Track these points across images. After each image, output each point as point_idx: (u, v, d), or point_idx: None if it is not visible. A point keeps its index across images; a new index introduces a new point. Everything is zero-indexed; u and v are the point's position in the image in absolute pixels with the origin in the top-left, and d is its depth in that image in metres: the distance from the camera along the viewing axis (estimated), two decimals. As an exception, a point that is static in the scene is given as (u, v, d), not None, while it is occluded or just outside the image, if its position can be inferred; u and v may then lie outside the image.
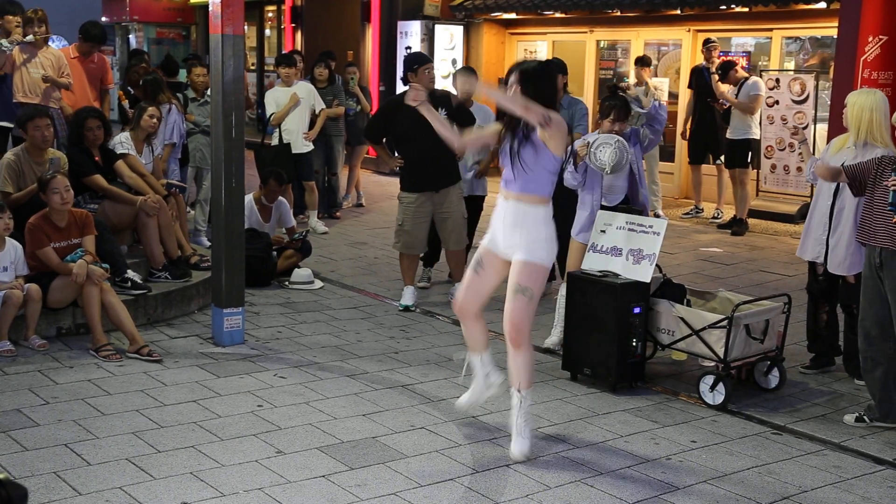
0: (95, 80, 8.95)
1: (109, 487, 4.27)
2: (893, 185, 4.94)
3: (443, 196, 7.53)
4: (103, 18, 24.05)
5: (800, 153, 7.23)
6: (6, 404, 5.21)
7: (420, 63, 7.52)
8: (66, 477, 4.35)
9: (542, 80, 4.78)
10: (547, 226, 4.79)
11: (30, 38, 8.06)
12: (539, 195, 4.75)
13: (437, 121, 5.10)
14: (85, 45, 8.81)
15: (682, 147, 13.25)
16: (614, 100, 6.40)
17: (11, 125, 7.95)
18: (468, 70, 8.74)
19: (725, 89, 11.20)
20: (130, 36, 24.06)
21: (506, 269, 4.85)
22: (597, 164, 6.06)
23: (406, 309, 7.61)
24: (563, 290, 6.49)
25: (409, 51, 15.32)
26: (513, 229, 4.76)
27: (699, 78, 11.67)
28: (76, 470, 4.43)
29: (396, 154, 7.76)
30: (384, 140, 8.04)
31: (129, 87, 10.16)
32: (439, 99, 7.59)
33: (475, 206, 8.27)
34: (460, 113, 7.63)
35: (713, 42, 11.82)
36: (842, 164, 5.46)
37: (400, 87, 15.47)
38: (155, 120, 7.95)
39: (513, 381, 4.85)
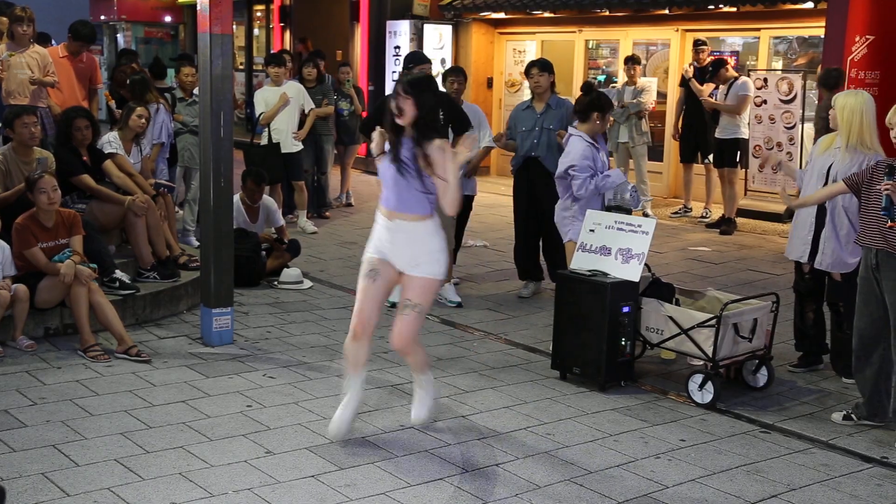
0: (84, 79, 8.92)
1: (98, 488, 4.25)
2: (886, 189, 4.94)
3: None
4: (91, 17, 23.99)
5: (784, 174, 7.24)
6: (-6, 405, 5.19)
7: (416, 62, 7.53)
8: (54, 478, 4.34)
9: (426, 89, 4.73)
10: (436, 238, 4.81)
11: (7, 51, 8.02)
12: (424, 214, 4.76)
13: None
14: (74, 45, 8.78)
15: (670, 146, 13.28)
16: (604, 96, 6.70)
17: (-1, 126, 7.92)
18: (457, 70, 8.77)
19: (707, 90, 11.25)
20: (118, 35, 23.98)
21: (396, 279, 4.89)
22: (621, 202, 6.43)
23: (393, 305, 7.59)
24: None
25: (398, 50, 15.35)
26: (403, 246, 4.79)
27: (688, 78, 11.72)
28: (64, 471, 4.42)
29: None
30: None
31: (115, 88, 10.12)
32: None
33: (465, 205, 8.26)
34: (458, 118, 7.63)
35: (703, 43, 11.87)
36: (843, 180, 5.46)
37: (389, 86, 15.51)
38: (143, 120, 7.93)
39: (414, 373, 5.11)
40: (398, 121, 4.70)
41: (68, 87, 8.65)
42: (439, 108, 4.75)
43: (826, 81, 9.34)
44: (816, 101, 10.47)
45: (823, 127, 9.90)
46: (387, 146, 4.80)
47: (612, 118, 11.34)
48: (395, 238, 4.80)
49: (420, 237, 4.78)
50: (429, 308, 4.95)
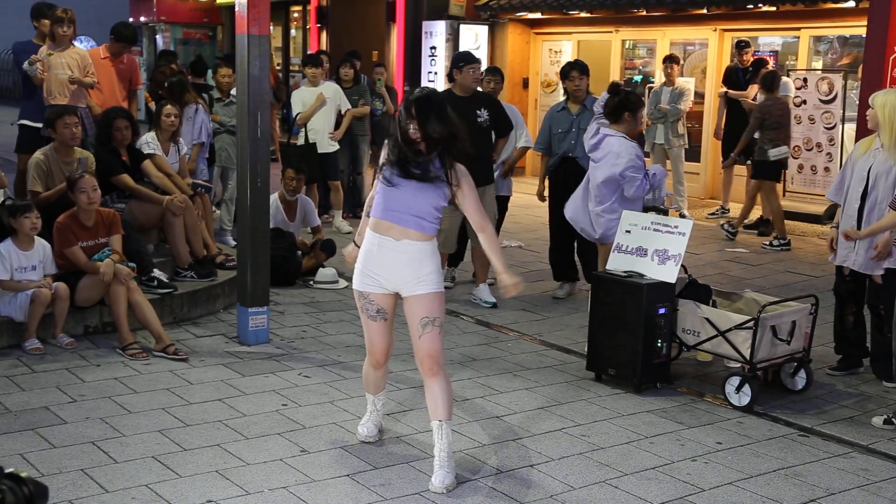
0: (124, 80, 9.02)
1: (136, 485, 4.30)
2: None
3: (479, 195, 7.52)
4: (130, 19, 24.24)
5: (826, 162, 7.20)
6: (34, 402, 5.26)
7: (466, 62, 7.55)
8: (93, 474, 4.39)
9: (433, 109, 4.37)
10: (436, 258, 4.50)
11: (48, 50, 8.13)
12: (427, 234, 4.43)
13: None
14: (116, 46, 8.86)
15: (708, 147, 13.18)
16: (632, 94, 6.77)
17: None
18: (494, 70, 8.76)
19: (751, 93, 11.16)
20: (157, 36, 24.22)
21: (394, 304, 4.58)
22: (659, 203, 6.50)
23: None
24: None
25: (434, 51, 15.36)
26: (404, 267, 4.42)
27: (731, 78, 11.63)
28: (103, 467, 4.47)
29: None
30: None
31: (155, 88, 10.22)
32: (483, 100, 7.59)
33: (501, 206, 8.27)
34: (500, 118, 7.63)
35: (747, 44, 11.77)
36: (890, 206, 5.43)
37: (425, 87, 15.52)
38: (172, 118, 7.98)
39: (432, 413, 4.48)
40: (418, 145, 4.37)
41: (108, 88, 8.75)
42: (450, 127, 4.43)
43: (764, 82, 10.28)
44: (857, 102, 10.35)
45: (757, 126, 10.30)
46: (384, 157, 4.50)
47: (648, 120, 11.32)
48: (398, 259, 4.41)
49: (424, 257, 4.43)
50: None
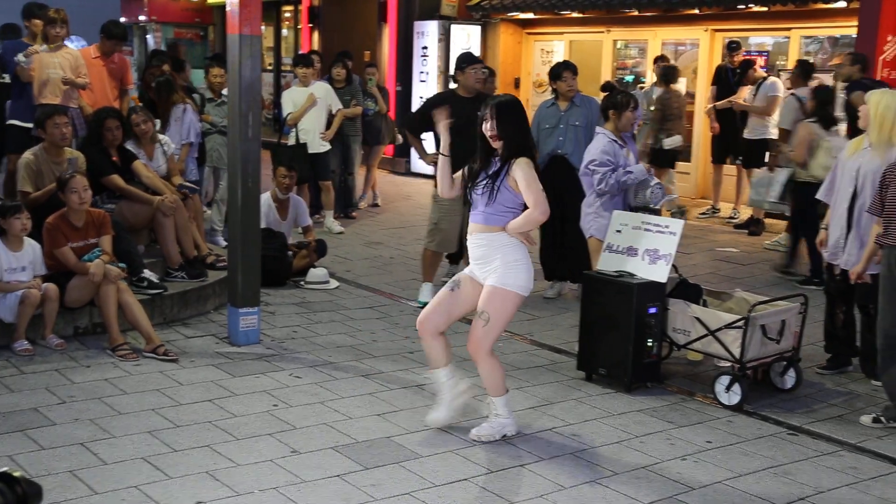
0: (116, 79, 9.00)
1: (125, 486, 4.29)
2: None
3: None
4: (122, 18, 24.19)
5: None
6: (24, 403, 5.25)
7: (468, 63, 7.59)
8: (82, 476, 4.38)
9: (516, 114, 4.93)
10: (513, 248, 4.86)
11: (44, 48, 8.11)
12: (501, 226, 4.87)
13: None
14: (107, 44, 8.84)
15: (699, 147, 13.21)
16: (626, 94, 6.88)
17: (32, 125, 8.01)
18: (485, 68, 8.75)
19: (742, 95, 11.20)
20: (148, 36, 24.18)
21: (476, 295, 4.97)
22: (650, 204, 6.52)
23: (424, 306, 7.60)
24: None
25: (425, 51, 15.35)
26: (485, 259, 4.89)
27: (721, 78, 11.66)
28: (92, 469, 4.46)
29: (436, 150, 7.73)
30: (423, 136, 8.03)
31: (144, 89, 10.18)
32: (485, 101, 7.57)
33: None
34: None
35: (738, 46, 11.82)
36: (867, 211, 5.44)
37: (417, 87, 15.54)
38: (142, 125, 7.89)
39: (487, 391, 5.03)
40: (492, 142, 4.89)
41: (99, 88, 8.73)
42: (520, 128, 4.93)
43: (664, 76, 11.38)
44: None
45: (659, 118, 11.07)
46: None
47: (640, 120, 11.35)
48: (476, 253, 4.92)
49: (495, 248, 4.85)
50: (502, 322, 4.88)
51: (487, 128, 4.89)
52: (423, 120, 7.72)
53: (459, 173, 5.13)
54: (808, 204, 8.61)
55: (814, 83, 9.85)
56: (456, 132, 7.34)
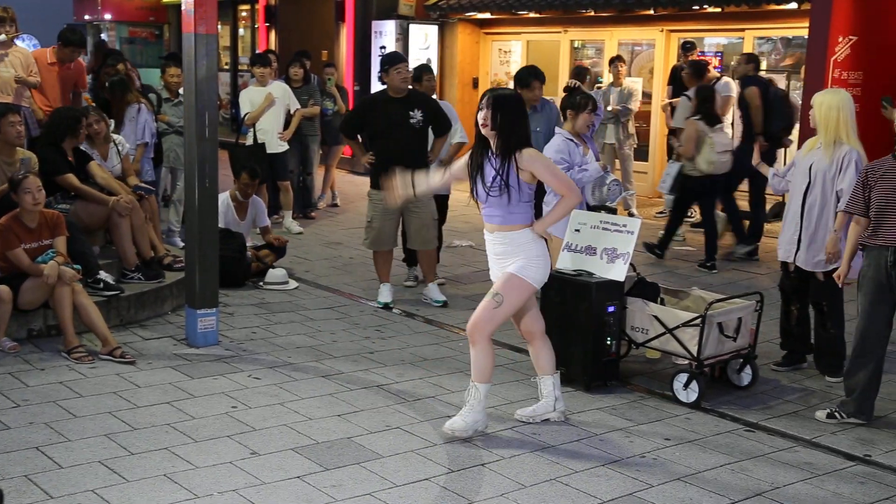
0: (70, 83, 8.88)
1: (82, 490, 4.23)
2: None
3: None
4: (74, 17, 23.86)
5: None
6: (-23, 407, 5.16)
7: (391, 63, 7.52)
8: (38, 480, 4.32)
9: (513, 108, 4.94)
10: (535, 244, 4.98)
11: (2, 37, 7.99)
12: (521, 224, 4.97)
13: (432, 186, 5.51)
14: (64, 51, 8.70)
15: (656, 146, 13.32)
16: (585, 95, 6.82)
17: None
18: (429, 68, 8.80)
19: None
20: (102, 35, 23.86)
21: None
22: (606, 202, 6.57)
23: (385, 307, 7.61)
24: None
25: (383, 50, 15.32)
26: (503, 257, 5.01)
27: (677, 77, 11.77)
28: (48, 473, 4.39)
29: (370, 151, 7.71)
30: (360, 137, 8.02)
31: (98, 89, 10.05)
32: (418, 101, 7.59)
33: (441, 206, 8.25)
34: (437, 117, 7.65)
35: (692, 46, 11.95)
36: (844, 211, 5.46)
37: (375, 86, 15.51)
38: (94, 125, 7.80)
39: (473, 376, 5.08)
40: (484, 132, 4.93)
41: (53, 93, 8.61)
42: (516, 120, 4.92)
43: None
44: (800, 102, 10.57)
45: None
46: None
47: (600, 121, 11.43)
48: (496, 249, 5.03)
49: (517, 246, 4.95)
50: (511, 308, 4.99)
51: (480, 116, 4.90)
52: (358, 122, 7.75)
53: (460, 162, 5.21)
54: (694, 195, 9.18)
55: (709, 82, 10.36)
56: (383, 133, 7.42)
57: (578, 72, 11.72)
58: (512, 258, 4.97)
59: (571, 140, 6.64)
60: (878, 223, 5.19)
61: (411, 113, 7.42)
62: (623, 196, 6.59)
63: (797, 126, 9.62)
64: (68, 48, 8.69)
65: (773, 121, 9.53)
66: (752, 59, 10.03)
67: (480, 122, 4.91)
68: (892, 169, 5.15)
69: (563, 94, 7.00)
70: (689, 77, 10.45)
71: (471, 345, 5.05)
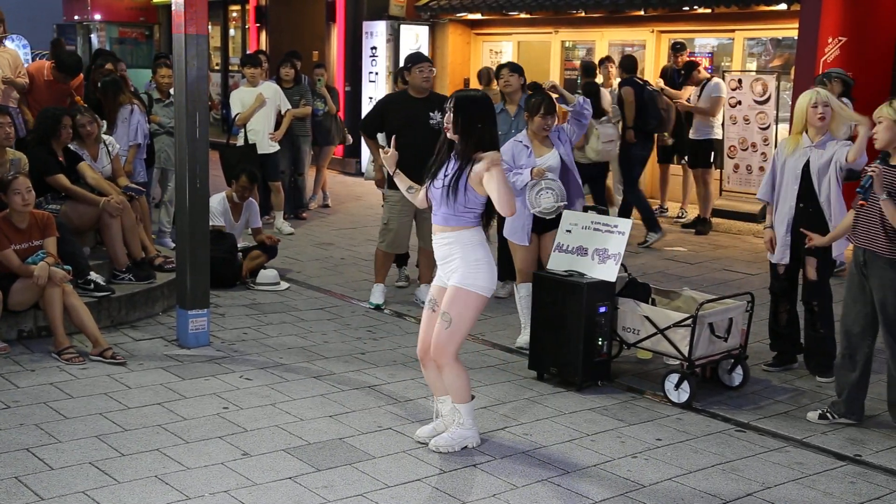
0: (66, 95, 8.83)
1: (72, 492, 4.22)
2: (872, 171, 4.98)
3: None
4: (63, 17, 23.77)
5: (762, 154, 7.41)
6: (-34, 409, 5.14)
7: (414, 62, 7.53)
8: (28, 482, 4.30)
9: (475, 110, 4.74)
10: (477, 247, 4.76)
11: None
12: (465, 225, 4.76)
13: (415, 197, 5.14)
14: (59, 74, 8.65)
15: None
16: (540, 95, 6.57)
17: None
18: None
19: (686, 94, 11.35)
20: (92, 35, 23.79)
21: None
22: (536, 209, 6.32)
23: (377, 308, 7.60)
24: (524, 291, 6.52)
25: (374, 51, 15.33)
26: (445, 261, 4.80)
27: (667, 79, 11.80)
28: (38, 474, 4.38)
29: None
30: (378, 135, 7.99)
31: (91, 90, 10.00)
32: (438, 102, 7.55)
33: None
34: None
35: (682, 46, 11.98)
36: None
37: (366, 87, 15.51)
38: (87, 126, 7.74)
39: (444, 395, 4.94)
40: (448, 135, 4.78)
41: (50, 103, 8.56)
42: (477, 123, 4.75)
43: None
44: (790, 103, 10.61)
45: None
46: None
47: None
48: (439, 252, 4.82)
49: (456, 246, 4.75)
50: (466, 325, 4.74)
51: (445, 120, 4.80)
52: (378, 121, 7.71)
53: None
54: (584, 179, 9.40)
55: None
56: (401, 133, 7.39)
57: (587, 67, 11.69)
58: (452, 262, 4.74)
59: (521, 142, 6.52)
60: (855, 224, 5.25)
61: (431, 114, 7.40)
62: (555, 207, 6.35)
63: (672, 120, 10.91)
64: (62, 73, 8.62)
65: (647, 118, 10.36)
66: (631, 63, 10.87)
67: (444, 124, 4.80)
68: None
69: (532, 92, 6.99)
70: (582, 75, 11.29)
71: (440, 369, 4.83)
